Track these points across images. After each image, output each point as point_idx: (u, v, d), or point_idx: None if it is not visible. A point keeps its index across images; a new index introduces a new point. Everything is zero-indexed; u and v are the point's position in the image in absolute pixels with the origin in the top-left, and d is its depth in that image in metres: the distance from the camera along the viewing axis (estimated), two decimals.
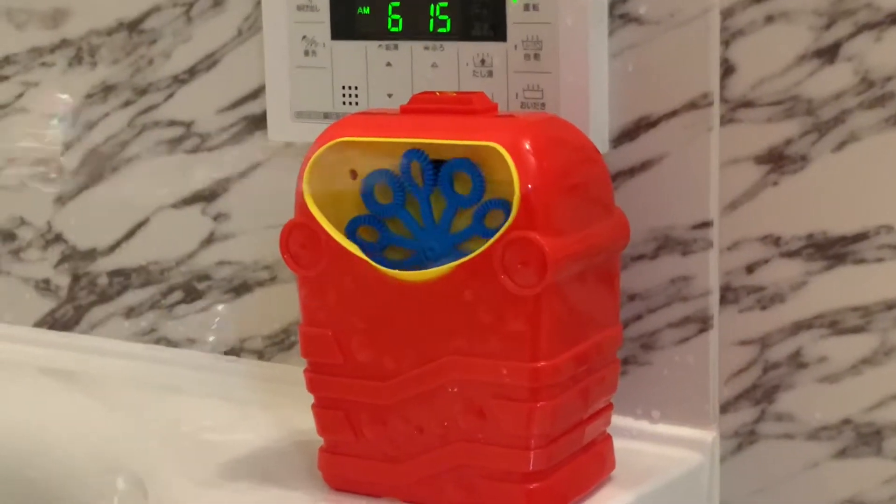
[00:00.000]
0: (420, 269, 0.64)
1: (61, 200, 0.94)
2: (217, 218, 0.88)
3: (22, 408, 0.87)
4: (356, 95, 0.79)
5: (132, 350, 0.93)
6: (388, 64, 0.77)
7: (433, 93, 0.68)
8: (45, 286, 0.96)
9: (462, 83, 0.75)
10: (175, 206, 0.89)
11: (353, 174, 0.67)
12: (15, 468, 0.82)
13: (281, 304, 0.86)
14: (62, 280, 0.95)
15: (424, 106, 0.67)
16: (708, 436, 0.72)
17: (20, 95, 0.94)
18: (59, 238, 0.95)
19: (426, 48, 0.76)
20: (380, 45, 0.77)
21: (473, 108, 0.66)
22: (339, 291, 0.67)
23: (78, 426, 0.82)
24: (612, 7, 0.71)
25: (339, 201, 0.67)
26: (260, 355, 0.88)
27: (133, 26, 0.88)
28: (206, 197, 0.88)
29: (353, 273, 0.66)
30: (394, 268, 0.65)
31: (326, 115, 0.80)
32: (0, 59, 0.94)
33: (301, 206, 0.67)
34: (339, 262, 0.66)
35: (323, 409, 0.69)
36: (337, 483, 0.69)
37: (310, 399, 0.70)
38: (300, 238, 0.67)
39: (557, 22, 0.72)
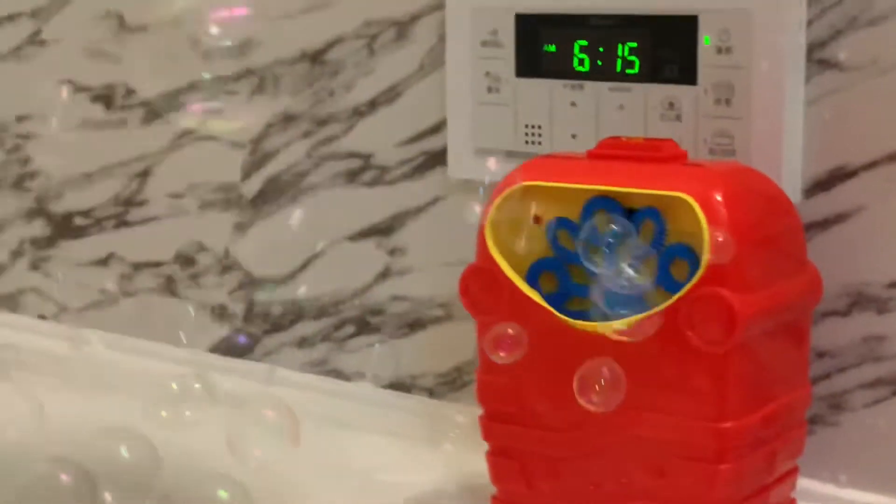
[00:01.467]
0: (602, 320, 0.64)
1: (240, 228, 0.95)
2: (393, 252, 0.88)
3: (195, 433, 0.87)
4: (539, 134, 0.78)
5: (303, 380, 0.93)
6: (573, 104, 0.77)
7: (621, 138, 0.67)
8: (220, 312, 0.97)
9: (649, 126, 0.74)
10: (351, 238, 0.89)
11: (537, 219, 0.67)
12: (192, 490, 0.82)
13: (454, 342, 0.86)
14: (237, 307, 0.96)
15: (612, 152, 0.66)
16: None
17: (204, 123, 0.96)
18: (235, 265, 0.96)
19: (612, 89, 0.75)
20: (565, 85, 0.77)
21: (663, 156, 0.65)
22: None
23: (251, 458, 0.80)
24: (810, 52, 0.70)
25: (520, 246, 0.67)
26: (430, 393, 0.88)
27: (316, 57, 0.89)
28: (382, 231, 0.88)
29: (534, 321, 0.65)
30: (575, 318, 0.64)
31: (509, 154, 0.79)
32: (186, 86, 0.96)
33: (483, 251, 0.67)
34: (519, 309, 0.65)
35: (497, 458, 0.69)
36: None
37: (480, 441, 0.70)
38: (480, 282, 0.67)
39: (751, 66, 0.70)
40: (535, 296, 0.65)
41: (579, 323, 0.64)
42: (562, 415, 0.65)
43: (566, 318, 0.64)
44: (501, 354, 0.64)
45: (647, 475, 0.64)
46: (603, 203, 0.64)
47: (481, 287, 0.67)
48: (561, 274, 0.66)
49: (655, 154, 0.65)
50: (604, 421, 0.63)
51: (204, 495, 0.82)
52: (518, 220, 0.66)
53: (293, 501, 0.77)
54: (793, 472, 0.67)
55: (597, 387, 0.61)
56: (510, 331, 0.64)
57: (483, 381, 0.68)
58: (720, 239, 0.61)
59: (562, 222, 0.65)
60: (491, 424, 0.68)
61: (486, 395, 0.69)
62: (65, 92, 1.03)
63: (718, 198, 0.61)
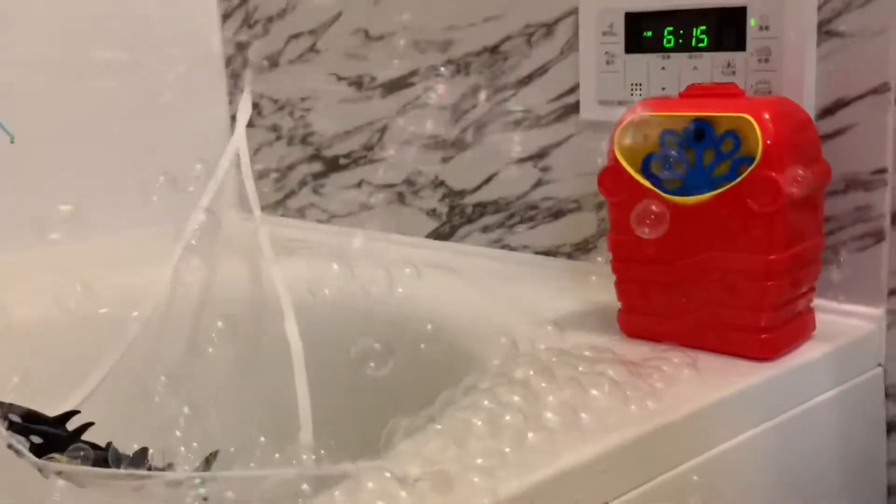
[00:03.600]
0: (689, 196, 0.64)
1: (445, 160, 0.95)
2: (543, 170, 0.87)
3: (425, 288, 0.86)
4: (640, 89, 0.78)
5: (486, 252, 0.93)
6: (663, 68, 0.77)
7: (701, 84, 0.67)
8: (432, 213, 0.98)
9: (714, 80, 0.74)
10: (516, 162, 0.89)
11: (646, 137, 0.67)
12: (427, 330, 0.79)
13: (583, 224, 0.85)
14: (443, 209, 0.97)
15: (697, 92, 0.66)
16: (878, 311, 0.70)
17: (420, 96, 0.96)
18: (442, 183, 0.96)
19: (690, 57, 0.75)
20: (657, 56, 0.77)
21: (729, 93, 0.65)
22: (633, 207, 0.66)
23: (461, 300, 0.82)
24: (820, 26, 0.69)
25: (636, 153, 0.67)
26: (568, 256, 0.87)
27: (493, 49, 0.89)
28: (536, 156, 0.88)
29: (644, 198, 0.65)
30: (671, 194, 0.65)
31: (620, 102, 0.79)
32: (410, 72, 0.96)
33: (612, 156, 0.67)
34: (636, 191, 0.66)
35: (623, 284, 0.69)
36: (631, 332, 0.69)
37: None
38: (611, 176, 0.67)
39: (783, 37, 0.70)
40: (644, 182, 0.65)
41: (676, 197, 0.64)
42: (665, 256, 0.65)
43: (667, 195, 0.64)
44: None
45: (721, 291, 0.64)
46: (699, 123, 0.64)
47: (612, 179, 0.67)
48: (664, 162, 0.65)
49: (724, 92, 0.65)
50: (694, 259, 0.64)
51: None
52: (634, 136, 0.66)
53: (488, 324, 0.76)
54: (811, 291, 0.67)
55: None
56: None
57: (613, 239, 0.68)
58: (768, 142, 0.61)
59: (667, 131, 0.65)
60: (618, 264, 0.69)
61: (615, 247, 0.68)
62: (331, 81, 1.04)
63: (767, 116, 0.62)
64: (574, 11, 0.82)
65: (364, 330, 0.84)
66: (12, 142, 0.99)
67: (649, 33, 0.77)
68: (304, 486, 0.45)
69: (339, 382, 0.81)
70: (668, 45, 0.76)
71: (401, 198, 1.00)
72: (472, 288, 0.85)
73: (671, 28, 0.76)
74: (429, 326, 0.76)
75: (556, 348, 0.63)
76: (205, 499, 0.69)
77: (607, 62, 0.80)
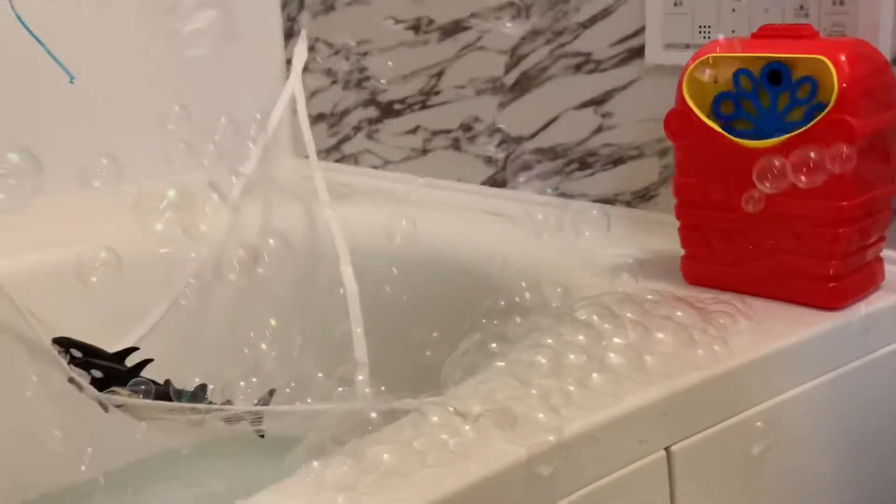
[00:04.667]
0: (761, 140, 0.63)
1: (501, 105, 0.94)
2: (604, 116, 0.86)
3: (476, 232, 0.87)
4: (709, 31, 0.77)
5: (544, 200, 0.92)
6: (733, 10, 0.75)
7: (774, 24, 0.66)
8: (488, 160, 0.97)
9: (786, 22, 0.72)
10: (576, 108, 0.88)
11: (716, 78, 0.66)
12: (471, 273, 0.81)
13: (644, 171, 0.84)
14: (499, 156, 0.96)
15: (771, 32, 0.65)
16: None
17: (479, 38, 0.95)
18: (498, 130, 0.95)
19: None
20: None
21: (804, 34, 0.64)
22: (703, 154, 0.66)
23: (513, 247, 0.82)
24: None
25: (705, 96, 0.66)
26: (628, 204, 0.87)
27: None
28: (597, 102, 0.87)
29: (713, 142, 0.65)
30: (742, 136, 0.63)
31: (686, 45, 0.78)
32: (468, 15, 0.95)
33: (680, 99, 0.66)
34: (704, 134, 0.65)
35: (687, 231, 0.69)
36: (694, 280, 0.69)
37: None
38: (678, 119, 0.66)
39: None
40: (714, 125, 0.64)
41: (746, 141, 0.63)
42: (731, 202, 0.64)
43: (737, 139, 0.63)
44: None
45: (788, 238, 0.63)
46: (775, 66, 0.62)
47: (678, 123, 0.66)
48: (735, 103, 0.65)
49: (799, 33, 0.64)
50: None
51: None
52: (709, 74, 0.65)
53: (549, 269, 0.76)
54: (881, 240, 0.66)
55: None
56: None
57: (678, 183, 0.68)
58: (844, 85, 0.60)
59: (742, 71, 0.64)
60: (683, 210, 0.68)
61: (680, 192, 0.68)
62: (390, 24, 1.03)
63: (843, 58, 0.61)
64: None
65: (416, 273, 0.86)
66: (72, 81, 1.00)
67: None
68: (374, 415, 0.46)
69: (392, 322, 0.82)
70: None
71: (456, 143, 1.00)
72: (524, 236, 0.84)
73: None
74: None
75: (619, 291, 0.63)
76: (261, 435, 0.71)
77: (675, 3, 0.78)
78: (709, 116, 0.65)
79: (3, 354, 0.86)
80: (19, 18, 0.97)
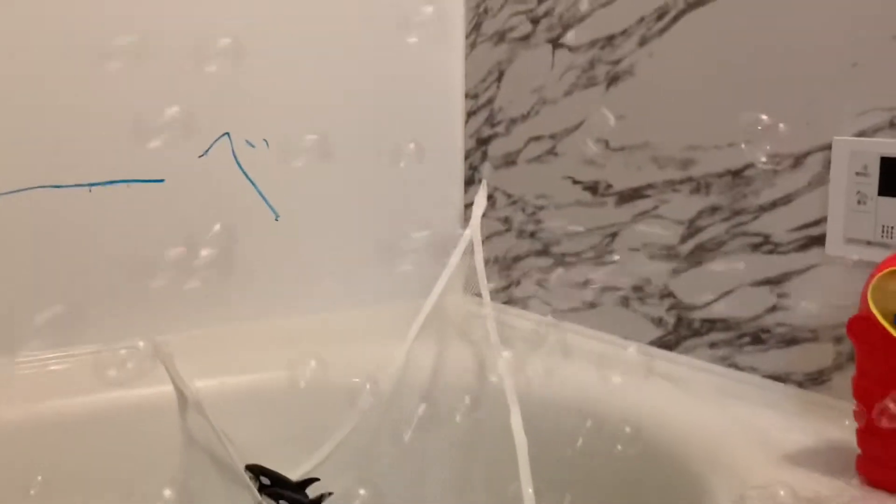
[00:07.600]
0: None
1: (675, 272, 0.97)
2: (780, 296, 0.88)
3: (636, 392, 0.89)
4: (892, 232, 0.79)
5: (711, 368, 0.94)
6: None
7: None
8: (658, 321, 1.00)
9: None
10: (752, 285, 0.90)
11: None
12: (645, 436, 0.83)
13: (818, 355, 0.85)
14: (670, 319, 0.99)
15: None
16: None
17: (655, 207, 0.98)
18: (671, 294, 0.98)
19: None
20: None
21: None
22: (885, 361, 0.67)
23: (678, 412, 0.83)
24: None
25: (890, 303, 0.67)
26: (799, 385, 0.88)
27: (737, 173, 0.91)
28: (774, 281, 0.89)
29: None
30: None
31: (868, 243, 0.80)
32: (645, 185, 1.00)
33: (864, 306, 0.68)
34: (887, 344, 0.66)
35: (866, 435, 0.69)
36: (874, 483, 0.69)
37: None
38: (861, 326, 0.68)
39: None
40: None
41: None
42: None
43: None
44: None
45: None
46: None
47: (862, 329, 0.68)
48: None
49: None
50: None
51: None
52: (888, 288, 0.67)
53: (713, 447, 0.76)
54: None
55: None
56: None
57: (859, 385, 0.69)
58: None
59: None
60: (862, 413, 0.68)
61: (859, 392, 0.69)
62: (567, 183, 1.08)
63: None
64: (826, 147, 0.84)
65: (585, 428, 0.88)
66: (277, 219, 1.11)
67: None
68: None
69: (557, 476, 0.85)
70: None
71: (625, 301, 1.03)
72: (693, 401, 0.86)
73: None
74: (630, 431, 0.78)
75: (801, 496, 0.64)
76: None
77: (858, 202, 0.81)
78: (894, 325, 0.67)
79: (198, 473, 0.93)
80: (239, 166, 1.08)
